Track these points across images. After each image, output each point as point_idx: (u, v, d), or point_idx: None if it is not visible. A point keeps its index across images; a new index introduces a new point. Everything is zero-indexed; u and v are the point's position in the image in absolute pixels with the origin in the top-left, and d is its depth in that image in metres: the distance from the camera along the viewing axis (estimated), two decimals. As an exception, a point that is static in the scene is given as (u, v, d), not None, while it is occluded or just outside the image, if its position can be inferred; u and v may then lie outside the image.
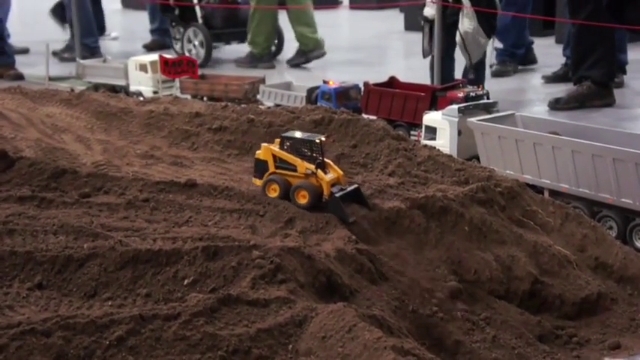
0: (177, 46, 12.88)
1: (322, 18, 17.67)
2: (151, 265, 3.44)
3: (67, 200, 4.08)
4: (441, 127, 6.35)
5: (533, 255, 4.17)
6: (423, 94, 7.26)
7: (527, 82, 10.67)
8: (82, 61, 10.31)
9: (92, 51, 12.41)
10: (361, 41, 14.00)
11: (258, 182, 4.21)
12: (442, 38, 8.49)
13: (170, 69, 7.72)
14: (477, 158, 5.98)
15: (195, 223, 3.88)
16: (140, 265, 3.45)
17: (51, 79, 9.80)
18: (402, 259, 3.93)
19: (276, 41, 12.73)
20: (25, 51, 13.65)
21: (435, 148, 5.09)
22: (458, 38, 8.26)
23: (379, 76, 8.15)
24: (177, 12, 12.91)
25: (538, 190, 5.40)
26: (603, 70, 8.76)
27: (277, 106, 7.69)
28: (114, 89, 9.26)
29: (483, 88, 7.32)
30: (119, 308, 3.21)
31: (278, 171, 4.14)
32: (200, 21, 12.56)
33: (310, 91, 8.10)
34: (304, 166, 4.07)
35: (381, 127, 4.96)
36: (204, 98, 8.72)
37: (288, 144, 4.16)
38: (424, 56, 8.86)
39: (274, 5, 12.13)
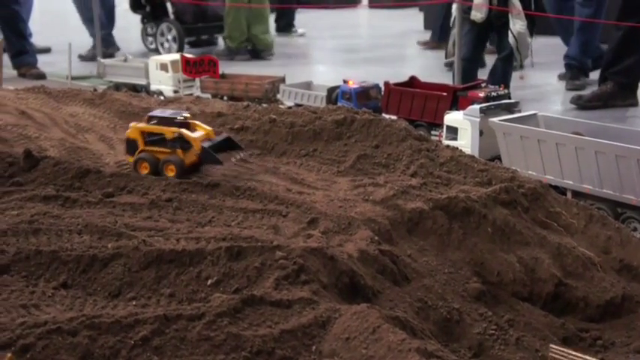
0: (152, 44, 13.45)
1: (342, 17, 17.70)
2: (174, 265, 3.45)
3: (90, 200, 4.10)
4: (463, 127, 6.34)
5: (557, 257, 4.14)
6: (444, 93, 7.25)
7: (548, 82, 10.63)
8: (102, 60, 10.39)
9: (107, 44, 12.72)
10: (381, 40, 14.01)
11: (130, 159, 4.51)
12: (471, 41, 8.55)
13: (191, 68, 7.76)
14: (499, 158, 5.96)
15: (218, 223, 3.89)
16: (164, 265, 3.45)
17: (72, 78, 9.88)
18: (425, 261, 3.92)
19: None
20: (46, 50, 13.78)
21: (457, 148, 5.06)
22: (511, 39, 8.37)
23: (399, 76, 8.14)
24: (148, 9, 13.40)
25: (561, 191, 5.37)
26: (630, 78, 8.80)
27: (297, 105, 7.71)
28: (134, 88, 9.34)
29: (506, 87, 7.30)
30: (143, 308, 3.22)
31: (147, 148, 4.43)
32: (171, 17, 13.10)
33: (330, 90, 8.13)
34: (170, 130, 4.37)
35: (403, 128, 4.95)
36: (225, 97, 8.76)
37: (154, 122, 4.46)
38: (447, 57, 8.88)
39: (246, 3, 12.97)
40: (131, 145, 4.49)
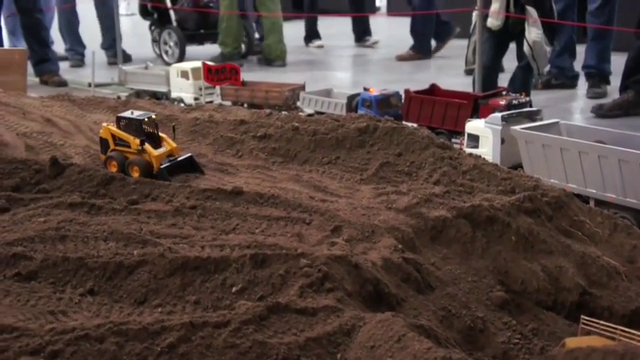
0: (157, 48, 13.90)
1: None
2: (199, 272, 3.47)
3: (116, 207, 4.13)
4: (484, 135, 6.32)
5: (582, 266, 4.12)
6: (464, 101, 7.24)
7: (567, 91, 10.59)
8: (124, 68, 10.46)
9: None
10: (400, 48, 14.00)
11: (103, 157, 4.72)
12: (490, 49, 8.51)
13: (213, 76, 7.80)
14: (520, 167, 5.94)
15: (242, 231, 3.91)
16: (189, 272, 3.47)
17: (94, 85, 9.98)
18: (449, 269, 3.91)
19: (245, 42, 13.95)
20: (66, 58, 13.91)
21: (480, 156, 5.05)
22: (526, 48, 8.32)
23: (419, 83, 8.14)
24: (155, 16, 13.86)
25: (583, 199, 5.34)
26: None
27: (318, 113, 7.72)
28: (155, 96, 9.41)
29: (527, 95, 7.27)
30: (169, 315, 3.24)
31: (118, 148, 4.63)
32: (174, 24, 13.51)
33: (351, 98, 8.13)
34: (136, 142, 4.57)
35: (426, 136, 4.95)
36: (245, 105, 8.80)
37: (123, 123, 4.65)
38: (466, 65, 8.86)
39: (242, 10, 13.41)
40: (104, 145, 4.71)
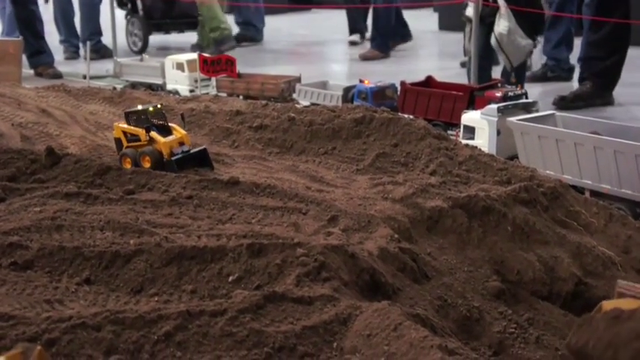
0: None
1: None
2: (196, 261, 3.47)
3: (112, 197, 4.13)
4: (480, 126, 6.33)
5: (577, 256, 4.14)
6: (460, 93, 7.25)
7: (562, 83, 10.61)
8: (119, 60, 10.44)
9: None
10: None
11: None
12: (480, 38, 8.44)
13: (209, 67, 7.79)
14: (516, 158, 5.95)
15: (239, 221, 3.91)
16: (185, 262, 3.47)
17: (89, 77, 9.95)
18: (445, 259, 3.93)
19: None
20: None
21: (476, 147, 5.06)
22: (493, 40, 8.19)
23: (414, 75, 8.14)
24: (129, 5, 13.95)
25: (579, 190, 5.35)
26: (608, 79, 8.83)
27: (314, 105, 7.71)
28: (150, 87, 9.39)
29: (522, 87, 7.28)
30: (166, 304, 3.23)
31: (131, 145, 4.59)
32: (140, 12, 13.59)
33: (346, 90, 8.13)
34: (143, 133, 4.53)
35: (422, 126, 4.95)
36: (240, 97, 8.79)
37: (133, 118, 4.62)
38: (465, 55, 8.83)
39: None
40: (118, 145, 4.67)
